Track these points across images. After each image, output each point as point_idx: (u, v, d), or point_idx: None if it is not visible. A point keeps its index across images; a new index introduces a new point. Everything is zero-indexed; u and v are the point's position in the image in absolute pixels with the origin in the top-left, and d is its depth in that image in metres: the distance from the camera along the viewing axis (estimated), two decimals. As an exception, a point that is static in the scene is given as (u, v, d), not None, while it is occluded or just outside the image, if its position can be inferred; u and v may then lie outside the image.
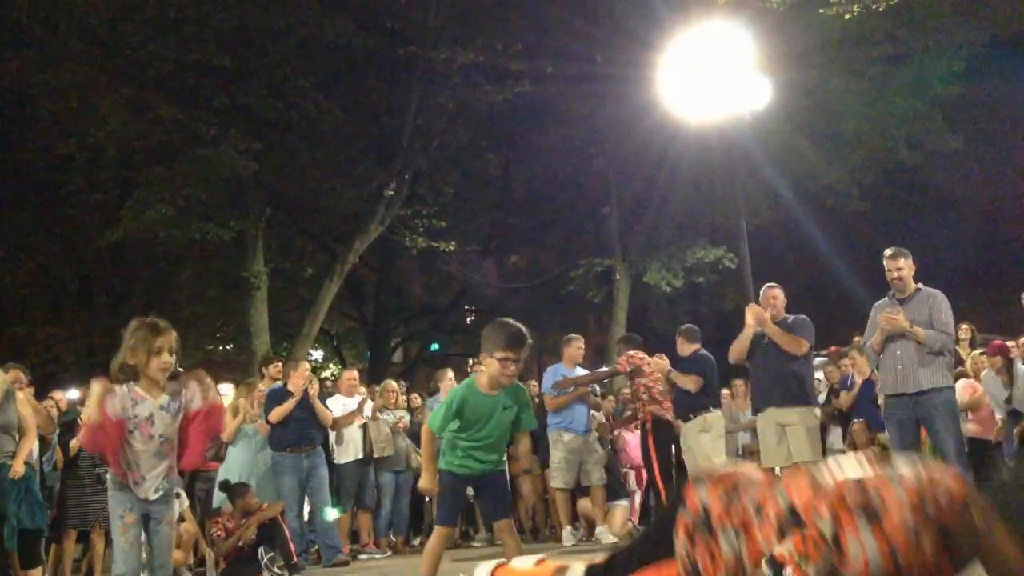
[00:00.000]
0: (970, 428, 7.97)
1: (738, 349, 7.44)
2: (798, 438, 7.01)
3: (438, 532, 4.23)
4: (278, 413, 8.11)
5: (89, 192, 16.01)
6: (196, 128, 13.39)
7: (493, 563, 3.29)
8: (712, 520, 2.43)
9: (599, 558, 2.96)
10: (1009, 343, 8.45)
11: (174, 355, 3.67)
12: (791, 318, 7.36)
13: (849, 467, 2.31)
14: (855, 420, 8.74)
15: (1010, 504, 1.98)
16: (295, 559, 7.03)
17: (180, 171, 13.50)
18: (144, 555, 3.72)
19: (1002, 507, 1.99)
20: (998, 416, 8.01)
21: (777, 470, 7.26)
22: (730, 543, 2.38)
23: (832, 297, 17.32)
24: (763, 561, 2.20)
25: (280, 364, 9.49)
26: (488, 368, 4.00)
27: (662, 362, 8.27)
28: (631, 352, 8.35)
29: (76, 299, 19.45)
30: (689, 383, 7.92)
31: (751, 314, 7.29)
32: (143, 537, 3.64)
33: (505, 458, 4.52)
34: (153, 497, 3.57)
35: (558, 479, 8.55)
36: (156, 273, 18.93)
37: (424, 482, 4.13)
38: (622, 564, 2.71)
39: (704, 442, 7.82)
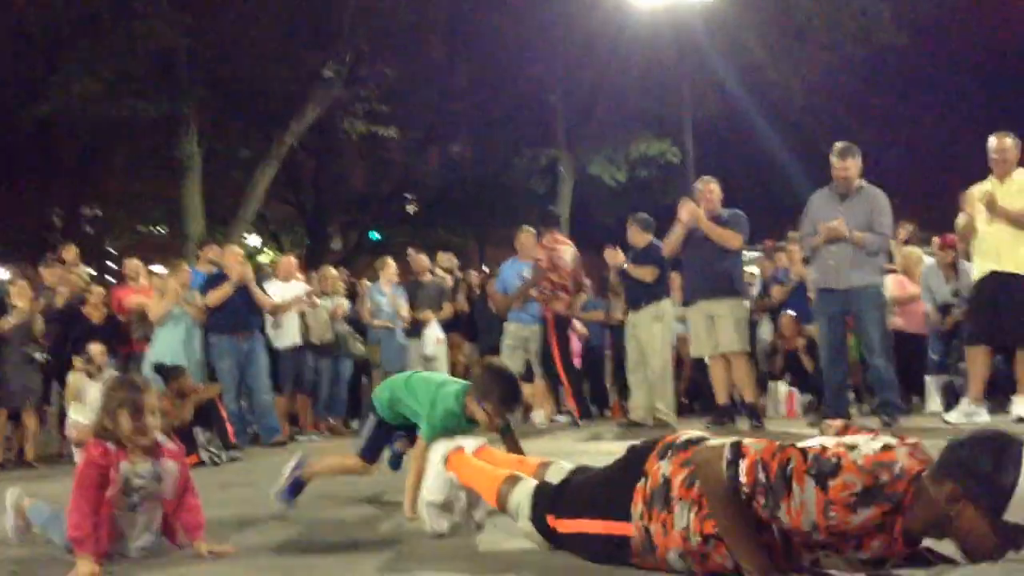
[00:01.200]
0: (897, 322, 8.21)
1: (672, 244, 7.51)
2: (726, 329, 7.17)
3: (355, 461, 4.06)
4: (216, 297, 8.00)
5: (14, 66, 15.19)
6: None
7: (452, 444, 3.27)
8: (671, 492, 2.47)
9: (553, 476, 2.96)
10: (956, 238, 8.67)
11: (156, 414, 3.27)
12: (726, 212, 7.41)
13: (813, 441, 2.34)
14: (784, 312, 8.95)
15: (972, 484, 2.04)
16: (232, 439, 7.04)
17: (108, 44, 12.86)
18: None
19: (964, 488, 2.05)
20: (928, 308, 8.25)
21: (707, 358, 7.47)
22: (684, 515, 2.43)
23: (776, 190, 17.51)
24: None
25: (216, 248, 9.32)
26: (475, 413, 3.67)
27: (618, 256, 8.19)
28: (549, 241, 8.24)
29: (2, 178, 18.71)
30: (647, 275, 7.93)
31: (685, 210, 7.33)
32: None
33: None
34: (134, 555, 3.19)
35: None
36: (86, 152, 18.24)
37: (406, 509, 3.62)
38: (571, 501, 2.74)
39: (656, 332, 7.89)
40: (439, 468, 3.19)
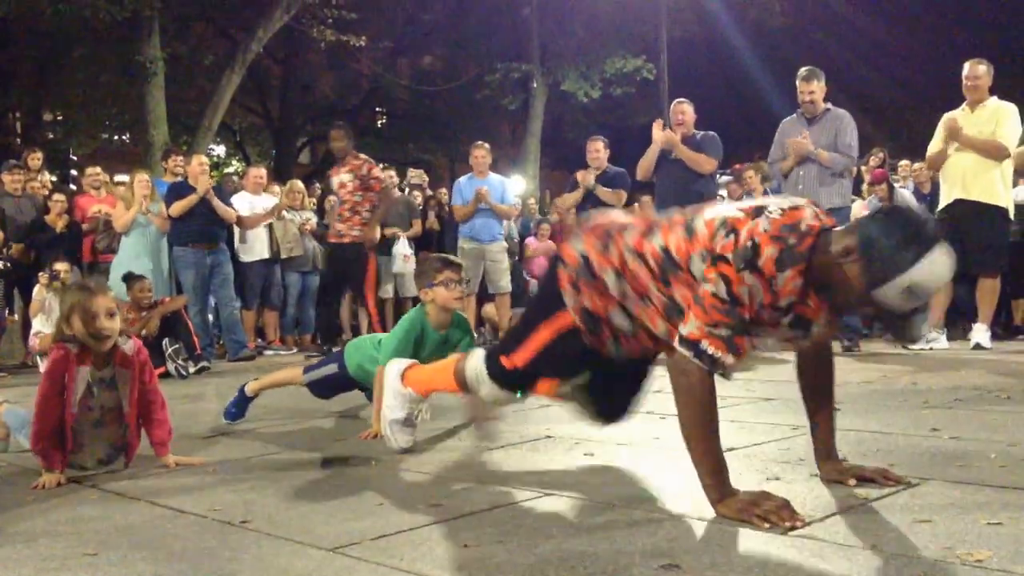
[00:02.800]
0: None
1: (645, 166, 7.49)
2: None
3: (299, 379, 4.09)
4: (179, 207, 7.87)
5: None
6: None
7: (406, 363, 3.30)
8: (593, 267, 2.49)
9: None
10: (916, 166, 8.75)
11: (115, 317, 3.16)
12: (700, 134, 7.40)
13: (720, 209, 2.34)
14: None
15: (871, 247, 2.06)
16: (199, 352, 7.02)
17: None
18: None
19: (862, 247, 2.07)
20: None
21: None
22: (613, 281, 2.45)
23: (753, 111, 17.39)
24: (677, 340, 2.27)
25: (180, 157, 9.12)
26: (436, 299, 3.72)
27: (589, 177, 8.09)
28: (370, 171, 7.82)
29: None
30: (613, 198, 7.91)
31: (659, 133, 7.31)
32: None
33: None
34: (90, 465, 3.12)
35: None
36: (45, 54, 17.60)
37: (377, 428, 3.51)
38: (515, 335, 2.76)
39: None
40: (396, 386, 3.20)
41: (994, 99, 6.53)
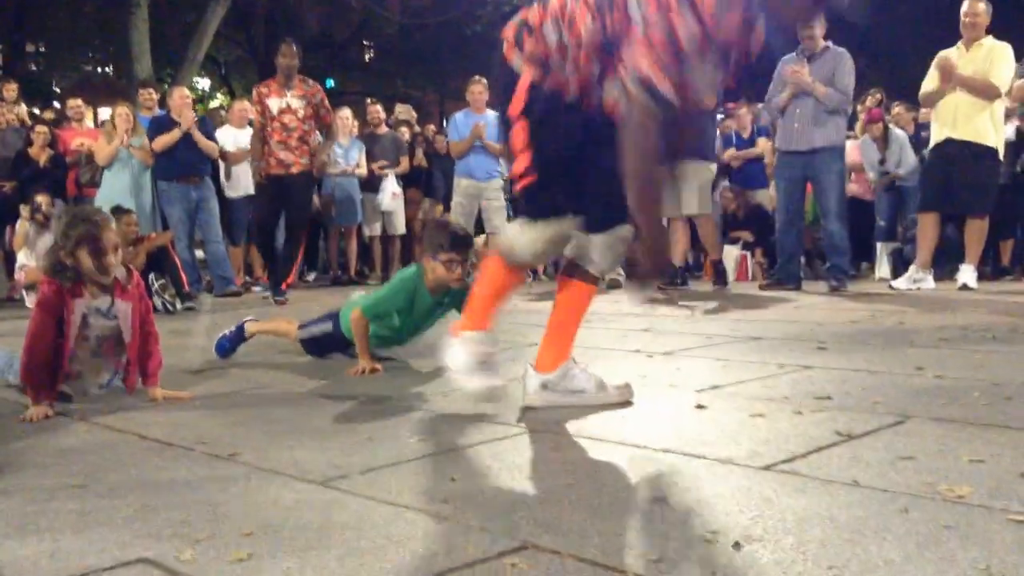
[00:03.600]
0: (851, 188, 8.32)
1: None
2: (689, 192, 7.17)
3: (294, 334, 4.06)
4: (161, 142, 7.76)
5: None
6: None
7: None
8: (531, 24, 2.56)
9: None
10: (896, 110, 8.75)
11: (118, 252, 3.12)
12: None
13: None
14: (725, 185, 9.22)
15: None
16: (187, 287, 6.99)
17: None
18: None
19: None
20: (871, 176, 8.42)
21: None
22: (554, 30, 2.51)
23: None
24: (628, 79, 2.32)
25: (151, 90, 8.98)
26: (434, 272, 3.64)
27: None
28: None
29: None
30: None
31: None
32: None
33: None
34: (93, 391, 3.19)
35: (454, 220, 8.64)
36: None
37: (364, 364, 3.60)
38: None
39: None
40: (455, 342, 2.79)
41: (990, 38, 6.46)
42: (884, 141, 8.27)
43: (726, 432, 2.35)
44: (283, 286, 7.18)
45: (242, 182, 8.69)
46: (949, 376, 3.01)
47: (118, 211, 6.98)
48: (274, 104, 7.21)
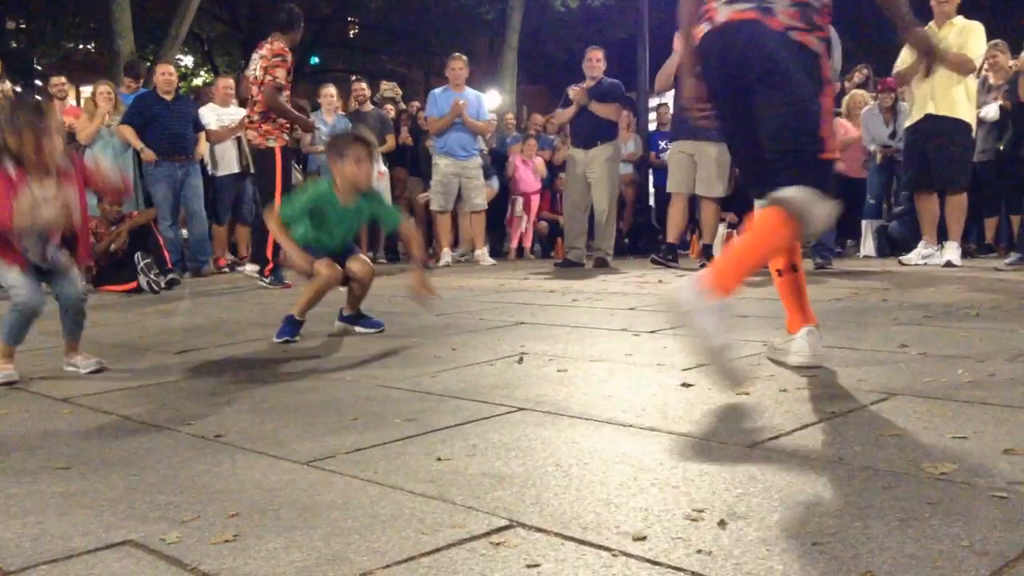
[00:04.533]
0: (838, 166, 8.30)
1: (665, 76, 7.18)
2: (708, 172, 7.16)
3: (322, 268, 3.91)
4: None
5: None
6: None
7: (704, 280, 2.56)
8: None
9: None
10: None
11: (61, 134, 3.21)
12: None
13: None
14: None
15: None
16: (170, 264, 6.96)
17: None
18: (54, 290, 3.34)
19: None
20: (872, 148, 8.34)
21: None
22: None
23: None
24: None
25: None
26: (344, 174, 3.86)
27: (581, 92, 7.81)
28: None
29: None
30: (612, 112, 7.82)
31: (679, 40, 7.11)
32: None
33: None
34: (45, 265, 3.24)
35: (434, 202, 8.59)
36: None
37: (298, 261, 3.83)
38: (803, 127, 2.69)
39: (608, 172, 7.79)
40: (703, 307, 2.41)
41: (960, 18, 6.51)
42: (892, 113, 8.20)
43: (711, 410, 2.36)
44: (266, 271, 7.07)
45: (226, 161, 8.62)
46: (933, 353, 3.03)
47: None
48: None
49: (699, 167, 7.21)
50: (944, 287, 5.20)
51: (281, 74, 6.43)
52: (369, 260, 4.34)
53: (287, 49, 6.58)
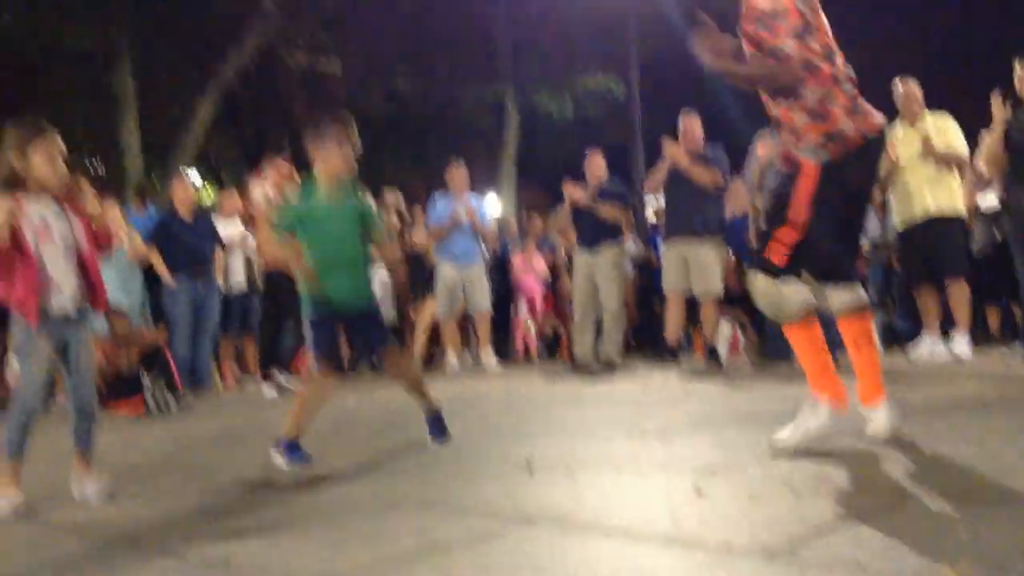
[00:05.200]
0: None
1: (655, 180, 7.44)
2: (705, 272, 7.15)
3: (317, 377, 3.76)
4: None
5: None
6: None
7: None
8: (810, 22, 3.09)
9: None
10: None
11: (61, 160, 3.31)
12: (708, 146, 7.40)
13: None
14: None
15: None
16: (180, 386, 6.94)
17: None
18: (65, 382, 3.39)
19: None
20: (865, 246, 8.39)
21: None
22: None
23: (722, 129, 17.44)
24: None
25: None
26: (326, 160, 3.75)
27: (577, 191, 7.81)
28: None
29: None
30: (616, 213, 7.83)
31: (668, 149, 7.26)
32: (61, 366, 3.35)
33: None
34: (73, 314, 3.27)
35: (439, 307, 8.61)
36: (15, 82, 17.50)
37: (282, 252, 3.84)
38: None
39: (616, 275, 7.79)
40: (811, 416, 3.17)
41: (927, 112, 6.68)
42: (883, 209, 8.28)
43: (725, 517, 2.33)
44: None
45: (234, 275, 8.67)
46: (944, 451, 3.00)
47: (108, 313, 7.00)
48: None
49: (692, 266, 7.21)
50: (952, 381, 5.17)
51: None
52: (397, 349, 4.12)
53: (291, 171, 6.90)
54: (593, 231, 7.81)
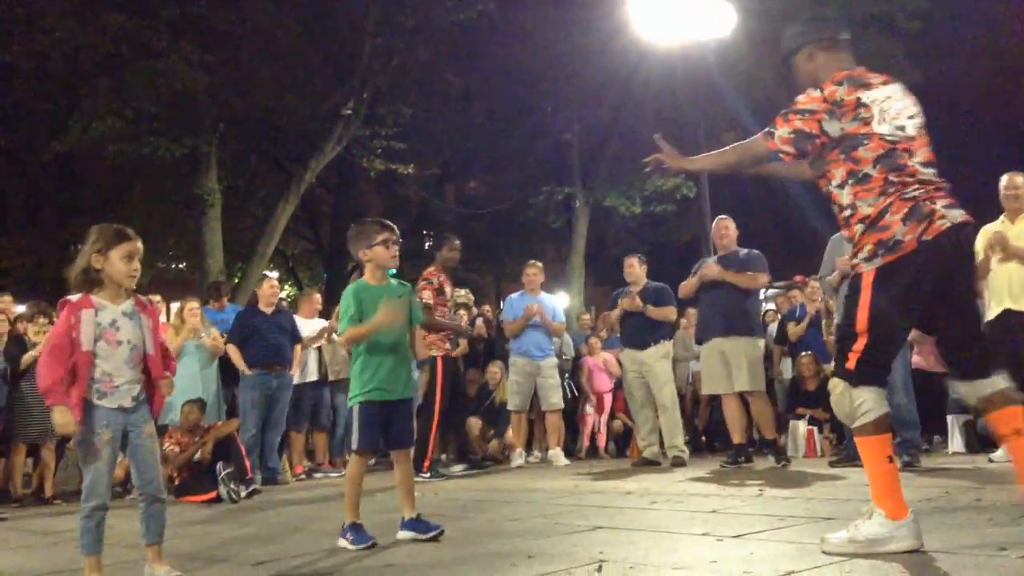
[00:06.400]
0: (917, 360, 8.16)
1: (688, 288, 7.61)
2: (741, 368, 7.16)
3: (357, 459, 4.19)
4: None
5: (35, 102, 15.47)
6: (145, 38, 12.93)
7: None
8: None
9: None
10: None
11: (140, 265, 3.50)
12: (743, 252, 7.47)
13: None
14: (803, 353, 8.91)
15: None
16: (250, 475, 7.05)
17: (128, 82, 13.09)
18: (132, 474, 3.51)
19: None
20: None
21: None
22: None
23: (794, 226, 17.41)
24: None
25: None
26: (374, 258, 4.20)
27: (636, 301, 7.94)
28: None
29: (23, 213, 18.95)
30: (670, 314, 8.02)
31: (710, 271, 7.37)
32: (122, 456, 3.47)
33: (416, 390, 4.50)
34: (129, 405, 3.36)
35: (511, 402, 8.66)
36: (106, 188, 18.47)
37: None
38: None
39: (666, 369, 7.87)
40: (871, 531, 3.08)
41: None
42: None
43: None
44: (425, 464, 7.33)
45: (307, 369, 8.88)
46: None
47: (187, 401, 7.21)
48: (448, 291, 7.79)
49: (733, 363, 7.20)
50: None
51: (427, 295, 7.40)
52: (410, 458, 4.39)
53: (433, 272, 7.68)
54: (639, 331, 7.94)
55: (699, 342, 7.75)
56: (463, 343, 9.65)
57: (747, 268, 7.30)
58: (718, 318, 7.32)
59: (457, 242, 8.05)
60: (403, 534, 4.10)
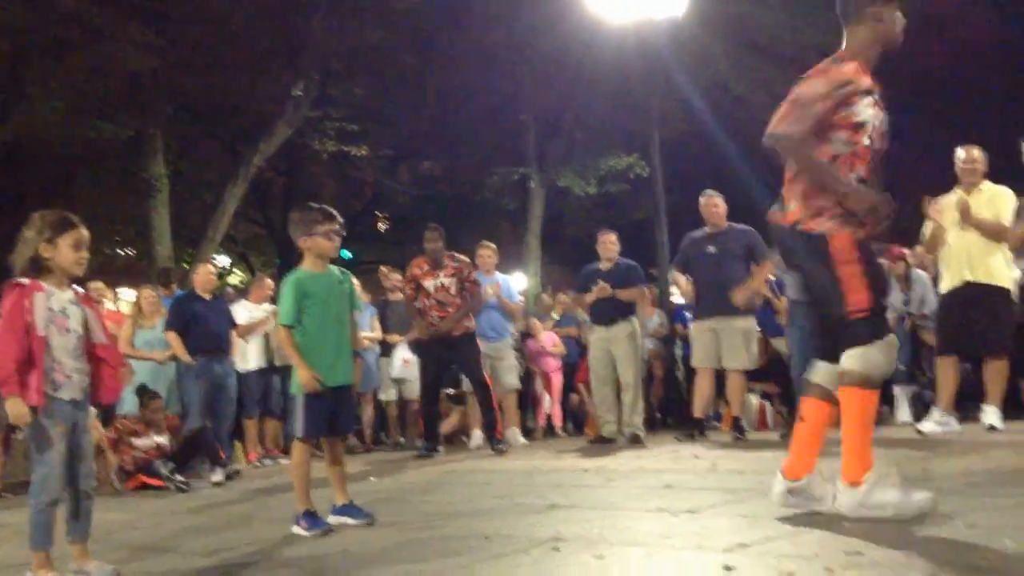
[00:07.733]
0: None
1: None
2: (736, 346, 7.28)
3: (301, 447, 4.15)
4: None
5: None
6: (93, 21, 12.56)
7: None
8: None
9: None
10: (905, 251, 8.75)
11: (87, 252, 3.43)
12: (730, 226, 7.62)
13: None
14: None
15: None
16: (223, 456, 7.12)
17: (74, 66, 12.74)
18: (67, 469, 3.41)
19: None
20: (890, 316, 8.33)
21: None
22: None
23: (743, 207, 17.54)
24: None
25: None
26: (315, 246, 4.16)
27: (607, 289, 7.84)
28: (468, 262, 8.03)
29: (-35, 201, 18.44)
30: (636, 296, 8.05)
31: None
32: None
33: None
34: (80, 398, 3.32)
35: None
36: (51, 174, 18.02)
37: (303, 378, 4.01)
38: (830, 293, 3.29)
39: (632, 349, 7.87)
40: (868, 495, 3.18)
41: (988, 183, 6.59)
42: (906, 281, 8.25)
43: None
44: (497, 435, 7.62)
45: (253, 356, 8.74)
46: (980, 524, 2.92)
47: (145, 393, 7.11)
48: (429, 285, 7.69)
49: (723, 340, 7.30)
50: (986, 452, 5.05)
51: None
52: (342, 449, 4.38)
53: (417, 262, 7.83)
54: (607, 309, 7.91)
55: (696, 318, 7.80)
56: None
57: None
58: (716, 296, 7.36)
59: (428, 233, 7.91)
60: (335, 519, 4.08)
